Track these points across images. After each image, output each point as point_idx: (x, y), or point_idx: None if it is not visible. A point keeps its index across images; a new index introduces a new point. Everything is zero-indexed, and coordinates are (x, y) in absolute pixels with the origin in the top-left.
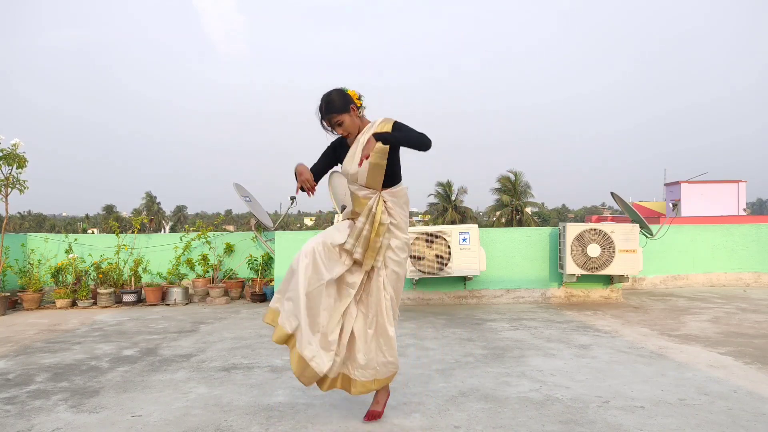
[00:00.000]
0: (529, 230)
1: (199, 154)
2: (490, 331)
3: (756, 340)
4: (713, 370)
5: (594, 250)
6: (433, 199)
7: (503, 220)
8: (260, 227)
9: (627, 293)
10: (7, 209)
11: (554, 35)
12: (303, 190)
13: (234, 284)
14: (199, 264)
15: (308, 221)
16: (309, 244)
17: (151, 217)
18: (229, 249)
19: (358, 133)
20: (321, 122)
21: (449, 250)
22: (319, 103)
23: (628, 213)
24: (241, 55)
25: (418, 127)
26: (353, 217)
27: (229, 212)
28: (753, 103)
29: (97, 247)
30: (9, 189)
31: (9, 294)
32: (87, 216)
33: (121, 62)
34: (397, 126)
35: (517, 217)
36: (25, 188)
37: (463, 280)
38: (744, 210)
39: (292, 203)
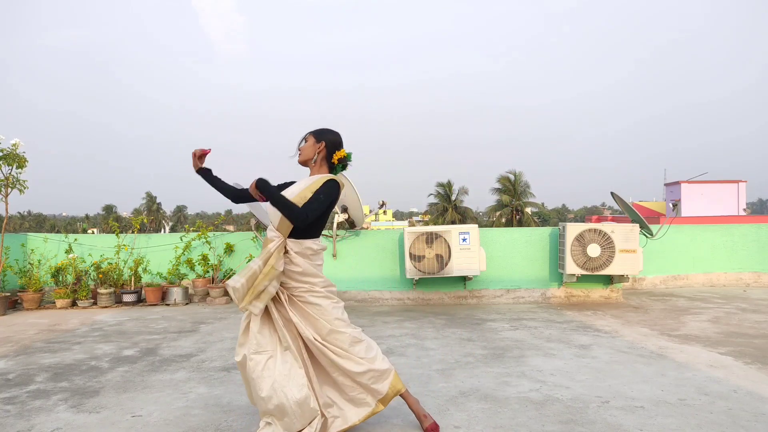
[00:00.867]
0: (529, 230)
1: None
2: (490, 331)
3: (756, 340)
4: (713, 370)
5: (594, 250)
6: (433, 199)
7: (503, 220)
8: (260, 227)
9: (627, 293)
10: (7, 209)
11: (555, 35)
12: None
13: None
14: (199, 264)
15: None
16: (240, 355)
17: (151, 217)
18: (229, 249)
19: (310, 174)
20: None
21: (449, 250)
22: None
23: (628, 213)
24: (240, 56)
25: (418, 127)
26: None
27: (229, 212)
28: (753, 103)
29: (97, 247)
30: (9, 189)
31: (9, 294)
32: (87, 216)
33: (121, 62)
34: (316, 193)
35: (517, 217)
36: (25, 188)
37: (463, 280)
38: (744, 210)
39: None
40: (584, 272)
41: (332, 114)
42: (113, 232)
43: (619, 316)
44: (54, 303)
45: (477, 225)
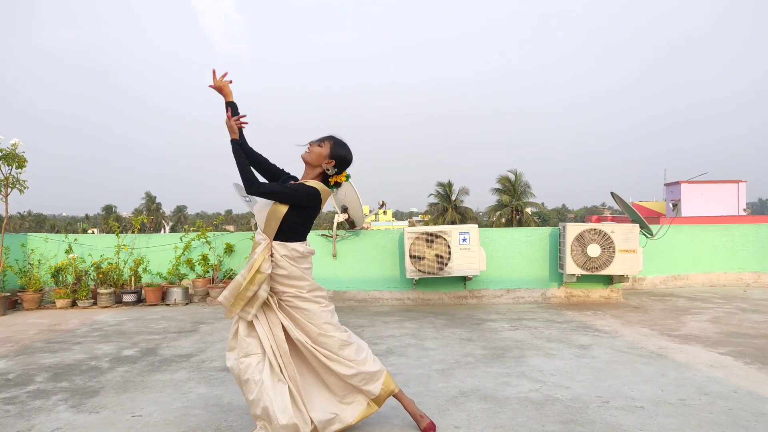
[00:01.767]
0: (529, 230)
1: (199, 155)
2: (490, 331)
3: (756, 340)
4: (713, 370)
5: (594, 250)
6: (433, 199)
7: (503, 220)
8: None
9: (627, 293)
10: (7, 209)
11: (555, 36)
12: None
13: None
14: (199, 264)
15: None
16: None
17: (151, 217)
18: (229, 249)
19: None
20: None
21: (449, 250)
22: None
23: (628, 213)
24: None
25: (419, 127)
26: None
27: (229, 212)
28: (753, 103)
29: (97, 247)
30: (9, 189)
31: (9, 294)
32: (87, 216)
33: (121, 62)
34: (291, 184)
35: (517, 217)
36: (25, 188)
37: (463, 280)
38: (744, 210)
39: None
40: (584, 272)
41: (332, 114)
42: (113, 232)
43: (619, 316)
44: (54, 303)
45: (477, 225)
